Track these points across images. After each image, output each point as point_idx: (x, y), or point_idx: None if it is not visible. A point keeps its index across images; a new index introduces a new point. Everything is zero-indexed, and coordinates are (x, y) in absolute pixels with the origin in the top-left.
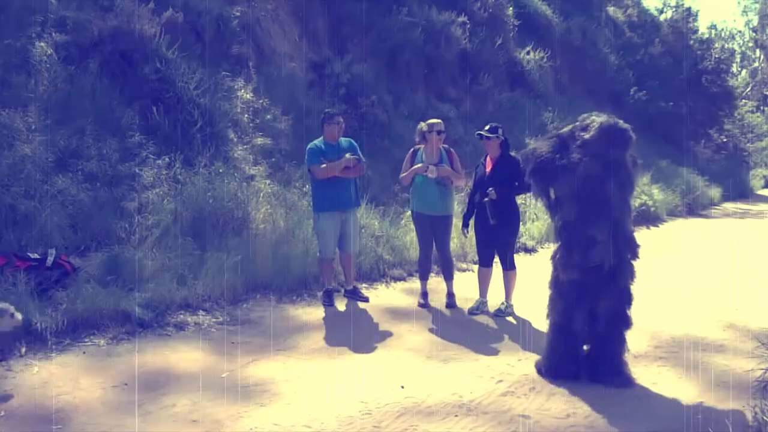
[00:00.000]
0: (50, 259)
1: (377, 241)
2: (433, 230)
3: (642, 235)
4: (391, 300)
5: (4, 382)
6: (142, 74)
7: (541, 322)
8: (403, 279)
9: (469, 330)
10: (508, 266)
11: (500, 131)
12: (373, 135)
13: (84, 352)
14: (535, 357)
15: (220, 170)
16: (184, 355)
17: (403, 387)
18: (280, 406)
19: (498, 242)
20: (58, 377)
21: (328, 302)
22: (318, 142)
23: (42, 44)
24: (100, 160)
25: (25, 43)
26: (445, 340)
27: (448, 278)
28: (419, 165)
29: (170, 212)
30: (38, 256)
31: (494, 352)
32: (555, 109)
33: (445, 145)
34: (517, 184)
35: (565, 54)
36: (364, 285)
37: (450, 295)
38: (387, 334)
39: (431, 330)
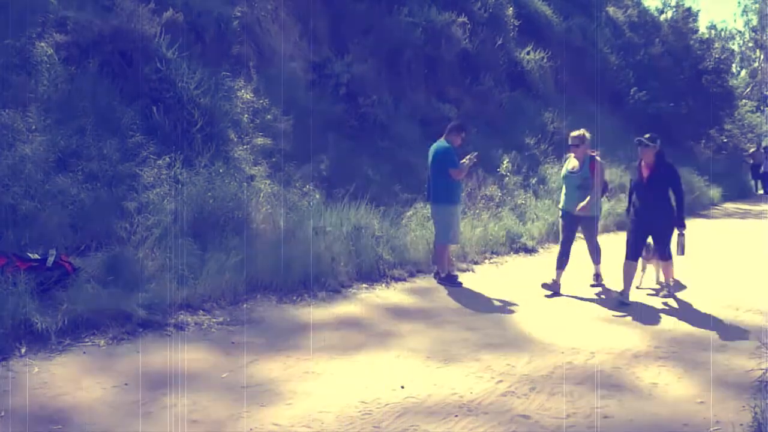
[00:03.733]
0: (50, 260)
1: (377, 241)
2: (575, 226)
3: None
4: (392, 300)
5: (3, 382)
6: (143, 74)
7: (541, 326)
8: (404, 279)
9: (471, 330)
10: (668, 256)
11: (658, 141)
12: (373, 135)
13: (84, 352)
14: (538, 357)
15: (221, 170)
16: (184, 355)
17: (403, 387)
18: (281, 407)
19: (655, 235)
20: (58, 377)
21: (459, 283)
22: (448, 145)
23: (42, 44)
24: (100, 160)
25: (25, 43)
26: (447, 340)
27: (596, 261)
28: (564, 170)
29: (170, 212)
30: (38, 257)
31: (495, 352)
32: (555, 109)
33: (593, 153)
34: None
35: (565, 54)
36: (364, 285)
37: (596, 275)
38: (387, 334)
39: (432, 330)
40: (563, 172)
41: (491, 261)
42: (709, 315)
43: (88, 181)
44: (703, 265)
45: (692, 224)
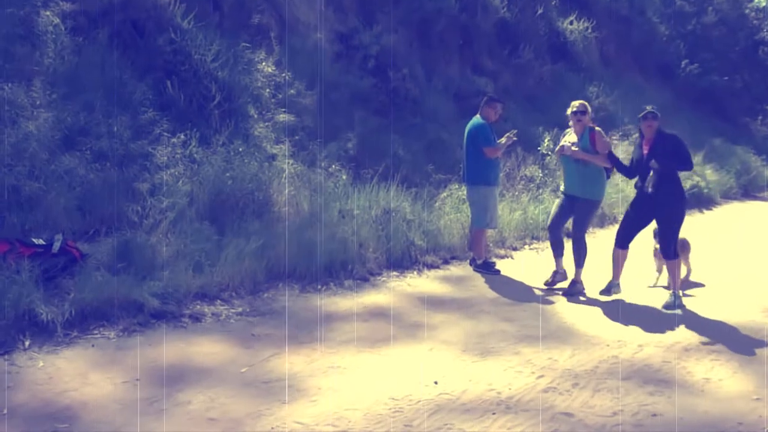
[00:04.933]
0: (56, 245)
1: (409, 225)
2: (570, 210)
3: (694, 220)
4: (425, 288)
5: (6, 377)
6: (156, 45)
7: (585, 317)
8: (437, 266)
9: (509, 321)
10: (672, 255)
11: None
12: (404, 111)
13: (93, 345)
14: (582, 350)
15: (240, 149)
16: (200, 349)
17: (436, 382)
18: (304, 404)
19: (660, 224)
20: (64, 372)
21: (497, 271)
22: (483, 121)
23: (48, 13)
24: (110, 138)
25: (29, 12)
26: (483, 332)
27: (578, 265)
28: (562, 142)
29: (186, 194)
30: (44, 242)
31: (536, 345)
32: (600, 83)
33: (592, 125)
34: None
35: (610, 24)
36: (394, 273)
37: (574, 282)
38: (419, 326)
39: (467, 321)
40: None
41: (531, 247)
42: (766, 307)
43: (97, 160)
44: (759, 253)
45: (748, 207)
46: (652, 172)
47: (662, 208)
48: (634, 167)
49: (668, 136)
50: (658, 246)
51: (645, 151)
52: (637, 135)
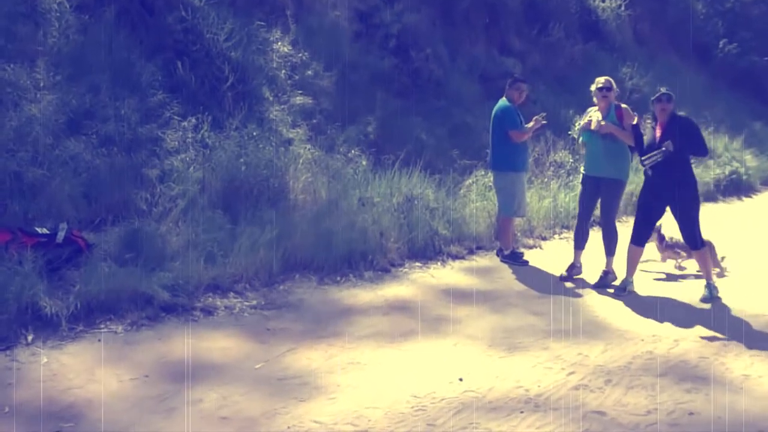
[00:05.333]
0: (61, 235)
1: (432, 213)
2: (596, 194)
3: (733, 208)
4: (449, 280)
5: (8, 373)
6: (166, 24)
7: (617, 310)
8: (462, 257)
9: (538, 315)
10: (698, 244)
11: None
12: (427, 93)
13: (99, 340)
14: (614, 346)
15: (254, 133)
16: (212, 344)
17: (461, 379)
18: (322, 402)
19: (678, 218)
20: (69, 368)
21: (525, 262)
22: (509, 104)
23: None
24: (117, 122)
25: None
26: (510, 326)
27: (609, 253)
28: (585, 120)
29: (197, 181)
30: (47, 231)
31: (566, 340)
32: (634, 63)
33: (617, 102)
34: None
35: (645, 2)
36: (416, 264)
37: (605, 273)
38: (443, 320)
39: (494, 315)
40: (579, 126)
41: (561, 236)
42: None
43: (104, 145)
44: None
45: None
46: (658, 155)
47: (675, 199)
48: (646, 151)
49: (682, 119)
50: (655, 241)
51: (657, 135)
52: (650, 119)
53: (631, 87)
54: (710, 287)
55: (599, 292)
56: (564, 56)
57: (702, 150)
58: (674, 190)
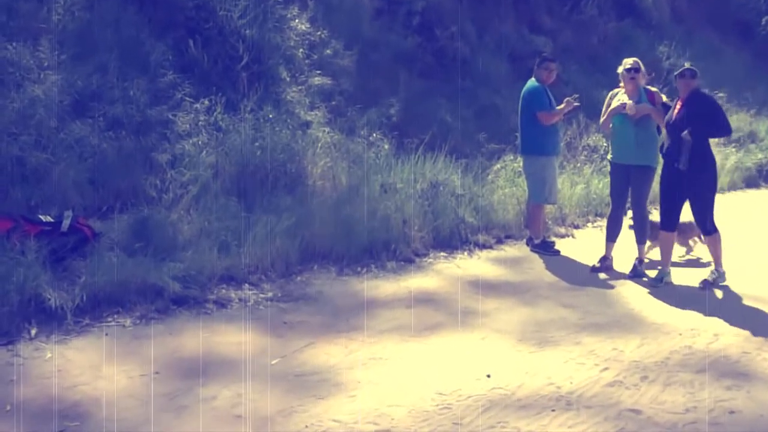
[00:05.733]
0: (66, 223)
1: (458, 200)
2: (627, 182)
3: None
4: (476, 271)
5: (10, 369)
6: (176, 0)
7: (654, 302)
8: (490, 246)
9: (570, 308)
10: (709, 229)
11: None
12: (452, 73)
13: (106, 334)
14: (650, 340)
15: (270, 115)
16: (226, 338)
17: (489, 376)
18: (342, 399)
19: (692, 200)
20: (74, 364)
21: (556, 251)
22: (538, 84)
23: None
24: (125, 104)
25: None
26: (541, 320)
27: (640, 241)
28: (616, 104)
29: (210, 166)
30: (52, 220)
31: (599, 334)
32: (672, 42)
33: (649, 86)
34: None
35: None
36: (442, 254)
37: (639, 261)
38: (470, 312)
39: (523, 307)
40: (609, 109)
41: (595, 225)
42: None
43: (111, 128)
44: None
45: None
46: (681, 145)
47: (693, 184)
48: (666, 127)
49: (702, 97)
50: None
51: (675, 112)
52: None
53: (668, 67)
54: (718, 272)
55: (635, 281)
56: (597, 34)
57: (723, 129)
58: (695, 178)
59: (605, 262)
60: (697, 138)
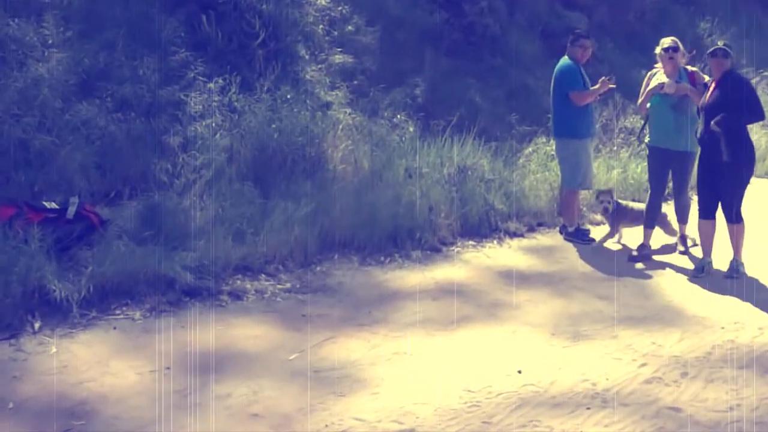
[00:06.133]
0: (71, 210)
1: (488, 186)
2: (665, 167)
3: None
4: (506, 261)
5: (13, 365)
6: None
7: (695, 294)
8: (521, 234)
9: (606, 299)
10: (735, 218)
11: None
12: (481, 50)
13: (115, 328)
14: (691, 334)
15: (288, 96)
16: (241, 332)
17: (520, 372)
18: (364, 396)
19: (725, 186)
20: (81, 359)
21: (591, 240)
22: (571, 63)
23: None
24: (134, 84)
25: None
26: (575, 312)
27: (682, 221)
28: (654, 84)
29: (224, 149)
30: (56, 206)
31: (637, 328)
32: (714, 18)
33: (689, 66)
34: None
35: None
36: (470, 242)
37: (683, 238)
38: (500, 305)
39: (556, 299)
40: (647, 89)
41: None
42: None
43: (120, 109)
44: None
45: None
46: (716, 134)
47: (729, 171)
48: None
49: (736, 78)
50: (609, 205)
51: (708, 95)
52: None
53: (709, 45)
54: (737, 262)
55: (676, 272)
56: (634, 10)
57: (756, 114)
58: (731, 165)
59: (644, 251)
60: (729, 125)
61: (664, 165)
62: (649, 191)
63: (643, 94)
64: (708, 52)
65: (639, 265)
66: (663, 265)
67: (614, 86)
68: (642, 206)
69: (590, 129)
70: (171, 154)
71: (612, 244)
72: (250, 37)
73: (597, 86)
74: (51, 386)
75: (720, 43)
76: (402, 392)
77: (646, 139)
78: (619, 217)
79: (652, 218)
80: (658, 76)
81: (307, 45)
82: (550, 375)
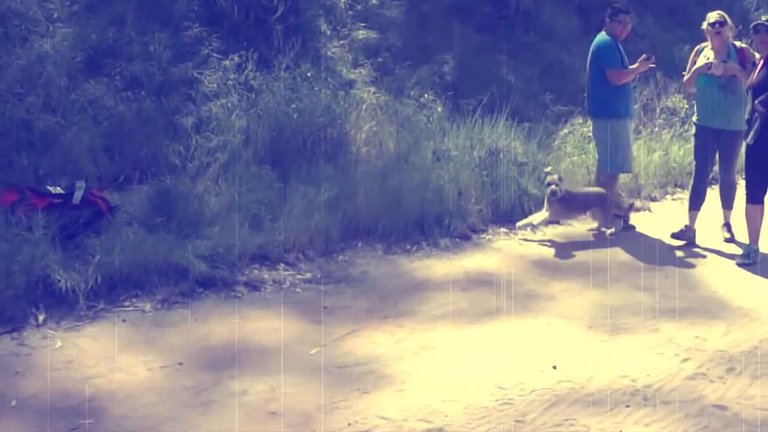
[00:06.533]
0: (78, 195)
1: (521, 169)
2: (713, 146)
3: None
4: (540, 249)
5: (15, 360)
6: None
7: (741, 284)
8: (556, 221)
9: (646, 290)
10: (755, 199)
11: None
12: (514, 25)
13: (124, 321)
14: (737, 327)
15: (308, 74)
16: (258, 324)
17: (555, 367)
18: (389, 394)
19: (751, 165)
20: (88, 354)
21: (632, 227)
22: (609, 38)
23: None
24: (145, 61)
25: None
26: (614, 304)
27: (727, 207)
28: (701, 63)
29: (240, 131)
30: (62, 191)
31: (679, 321)
32: None
33: (738, 42)
34: None
35: None
36: (502, 229)
37: (728, 225)
38: (534, 296)
39: (594, 291)
40: (693, 68)
41: (674, 197)
42: None
43: (129, 88)
44: None
45: None
46: (756, 116)
47: (760, 153)
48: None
49: None
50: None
51: (756, 73)
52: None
53: (757, 19)
54: (751, 248)
55: (721, 258)
56: None
57: None
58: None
59: (687, 232)
60: None
61: (711, 144)
62: (694, 172)
63: (689, 71)
64: (751, 26)
65: (680, 254)
66: (707, 254)
67: (654, 66)
68: (592, 191)
69: (628, 108)
70: (184, 136)
71: (653, 232)
72: (268, 11)
73: (636, 65)
74: (55, 383)
75: (763, 18)
76: (429, 389)
77: (693, 118)
78: (565, 203)
79: (696, 200)
80: (705, 52)
81: (328, 19)
82: (587, 371)
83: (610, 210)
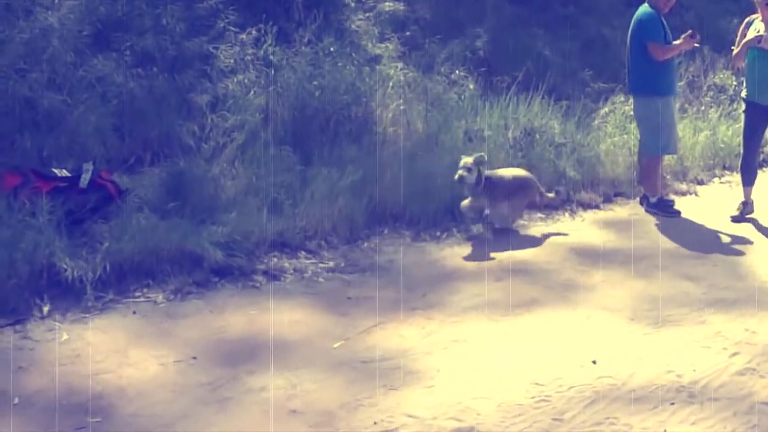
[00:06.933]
0: (85, 178)
1: (558, 151)
2: (763, 123)
3: None
4: (579, 236)
5: (18, 354)
6: None
7: None
8: (596, 206)
9: (692, 280)
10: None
11: None
12: None
13: (134, 312)
14: None
15: (331, 49)
16: (278, 317)
17: (595, 362)
18: (418, 390)
19: None
20: (96, 348)
21: (677, 212)
22: (652, 11)
23: None
24: (157, 35)
25: None
26: (657, 295)
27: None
28: (751, 36)
29: (259, 109)
30: (68, 174)
31: (728, 312)
32: None
33: None
34: None
35: None
36: (538, 215)
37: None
38: (572, 286)
39: (636, 280)
40: (743, 42)
41: (722, 180)
42: None
43: (140, 64)
44: None
45: None
46: None
47: None
48: None
49: None
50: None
51: None
52: None
53: None
54: None
55: None
56: None
57: None
58: None
59: (746, 208)
60: None
61: (761, 120)
62: (743, 148)
63: (738, 45)
64: None
65: (729, 241)
66: (758, 241)
67: (698, 45)
68: (517, 174)
69: (672, 86)
70: (198, 115)
71: (700, 217)
72: None
73: (679, 41)
74: (61, 378)
75: None
76: (460, 385)
77: (743, 93)
78: (488, 190)
79: (748, 176)
80: (756, 24)
81: None
82: (629, 366)
83: (529, 201)
